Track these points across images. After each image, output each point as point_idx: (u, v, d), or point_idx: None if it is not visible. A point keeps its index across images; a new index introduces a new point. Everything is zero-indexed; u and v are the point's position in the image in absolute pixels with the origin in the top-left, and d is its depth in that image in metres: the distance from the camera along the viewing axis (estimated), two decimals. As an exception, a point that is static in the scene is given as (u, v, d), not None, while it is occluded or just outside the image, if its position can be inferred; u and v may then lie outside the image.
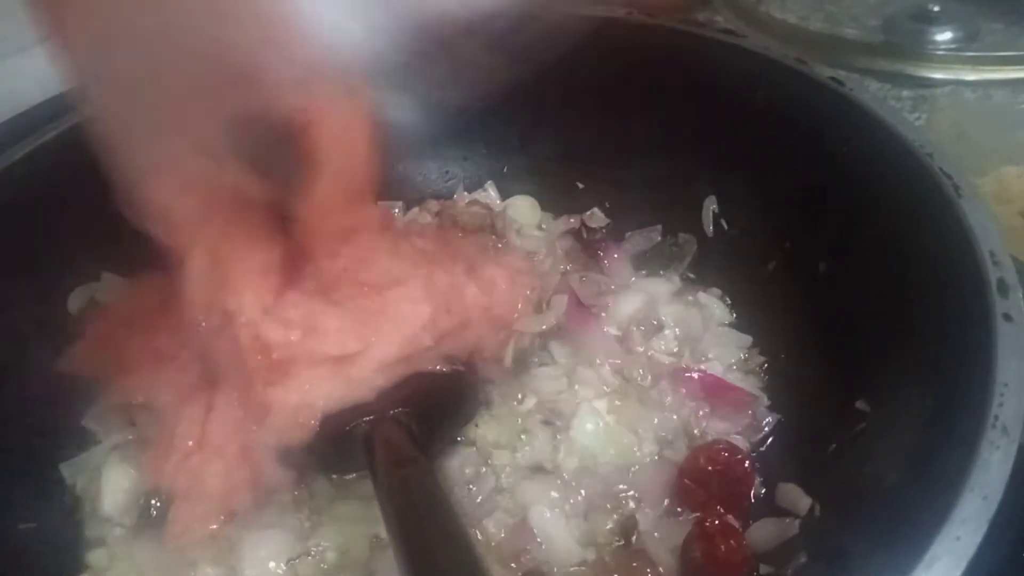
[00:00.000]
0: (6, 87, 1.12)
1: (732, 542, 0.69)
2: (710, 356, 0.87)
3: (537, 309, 0.90)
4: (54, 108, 0.86)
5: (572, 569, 0.72)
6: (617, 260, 0.98)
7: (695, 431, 0.81)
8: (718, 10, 1.41)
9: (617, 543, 0.73)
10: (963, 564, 0.46)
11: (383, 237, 0.80)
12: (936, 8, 1.29)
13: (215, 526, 0.72)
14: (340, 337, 0.71)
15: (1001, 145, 1.05)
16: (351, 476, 0.76)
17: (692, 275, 0.97)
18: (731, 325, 0.91)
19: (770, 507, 0.73)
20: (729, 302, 0.93)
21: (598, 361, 0.86)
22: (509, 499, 0.75)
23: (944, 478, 0.51)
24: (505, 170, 1.09)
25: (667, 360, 0.87)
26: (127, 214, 0.65)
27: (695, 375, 0.83)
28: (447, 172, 1.10)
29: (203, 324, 0.73)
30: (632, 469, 0.78)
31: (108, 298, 0.89)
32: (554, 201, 1.06)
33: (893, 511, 0.57)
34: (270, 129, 0.62)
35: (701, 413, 0.82)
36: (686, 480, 0.74)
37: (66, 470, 0.80)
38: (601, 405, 0.81)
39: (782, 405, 0.82)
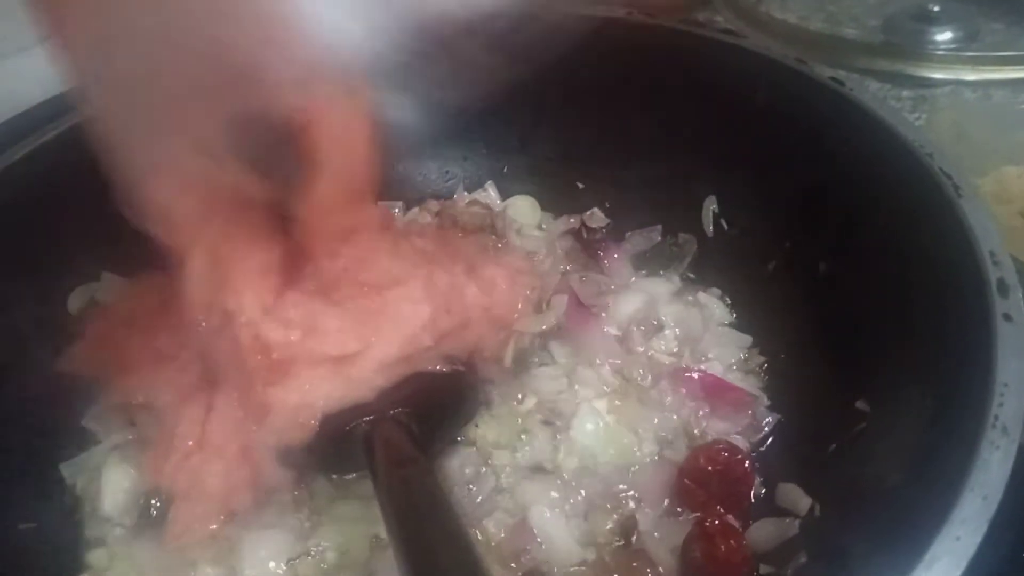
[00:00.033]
0: (6, 87, 1.12)
1: (732, 542, 0.69)
2: (710, 356, 0.87)
3: (537, 309, 0.90)
4: (54, 108, 0.86)
5: (572, 569, 0.72)
6: (617, 260, 0.98)
7: (695, 431, 0.81)
8: (718, 10, 1.41)
9: (617, 543, 0.73)
10: (963, 564, 0.46)
11: (383, 237, 0.80)
12: (936, 8, 1.29)
13: (215, 526, 0.72)
14: (340, 337, 0.71)
15: (1001, 145, 1.05)
16: (351, 476, 0.76)
17: (692, 275, 0.97)
18: (731, 325, 0.91)
19: (770, 507, 0.73)
20: (729, 302, 0.93)
21: (598, 361, 0.86)
22: (509, 499, 0.75)
23: (944, 478, 0.51)
24: (505, 170, 1.09)
25: (667, 360, 0.87)
26: (127, 214, 0.65)
27: (695, 375, 0.83)
28: (447, 172, 1.10)
29: (203, 324, 0.73)
30: (632, 469, 0.78)
31: (108, 298, 0.89)
32: (554, 201, 1.06)
33: (893, 511, 0.57)
34: (270, 129, 0.62)
35: (701, 413, 0.82)
36: (686, 480, 0.74)
37: (66, 470, 0.80)
38: (601, 405, 0.81)
39: (782, 405, 0.82)
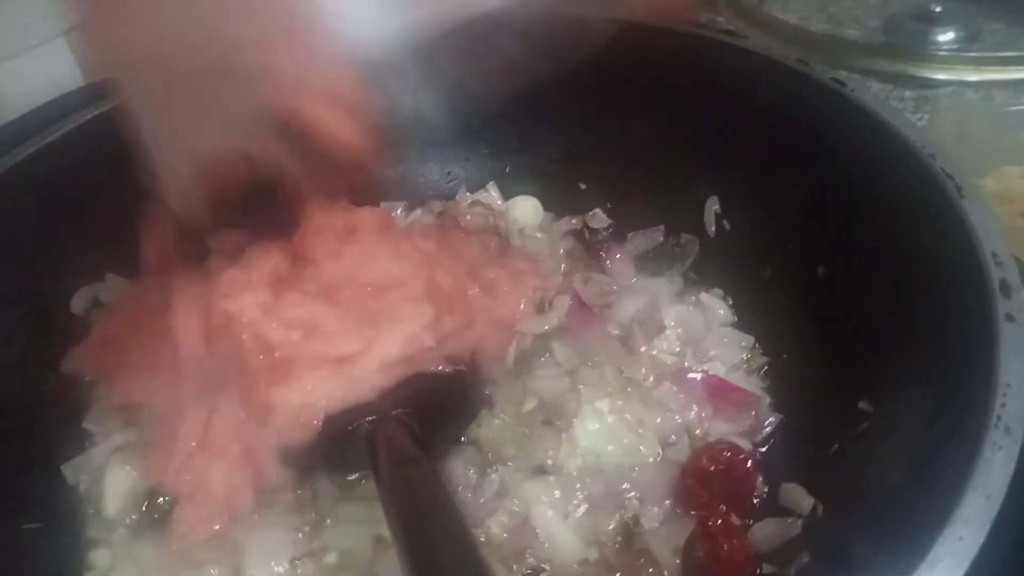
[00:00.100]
0: (10, 88, 1.13)
1: (735, 542, 0.69)
2: (712, 357, 0.87)
3: (539, 310, 0.91)
4: (59, 109, 0.86)
5: (575, 569, 0.72)
6: (619, 261, 0.99)
7: (697, 431, 0.81)
8: (720, 11, 1.42)
9: (619, 543, 0.73)
10: (966, 564, 0.46)
11: (385, 238, 0.81)
12: (938, 9, 1.29)
13: (219, 527, 0.72)
14: (342, 337, 0.71)
15: (1003, 145, 1.05)
16: (353, 476, 0.77)
17: (694, 276, 0.97)
18: (733, 326, 0.91)
19: (773, 507, 0.73)
20: (731, 303, 0.93)
21: (600, 361, 0.86)
22: (511, 499, 0.75)
23: (947, 478, 0.51)
24: (507, 171, 1.09)
25: (669, 360, 0.87)
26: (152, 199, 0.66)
27: (697, 376, 0.83)
28: (449, 173, 1.10)
29: (204, 325, 0.74)
30: (634, 469, 0.78)
31: (112, 299, 0.89)
32: (556, 202, 1.07)
33: (896, 511, 0.57)
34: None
35: (704, 414, 0.82)
36: (689, 480, 0.74)
37: (68, 471, 0.80)
38: (603, 405, 0.81)
39: (784, 405, 0.82)
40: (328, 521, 0.75)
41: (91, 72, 1.08)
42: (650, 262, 0.99)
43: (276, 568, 0.71)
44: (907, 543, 0.48)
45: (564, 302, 0.91)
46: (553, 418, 0.81)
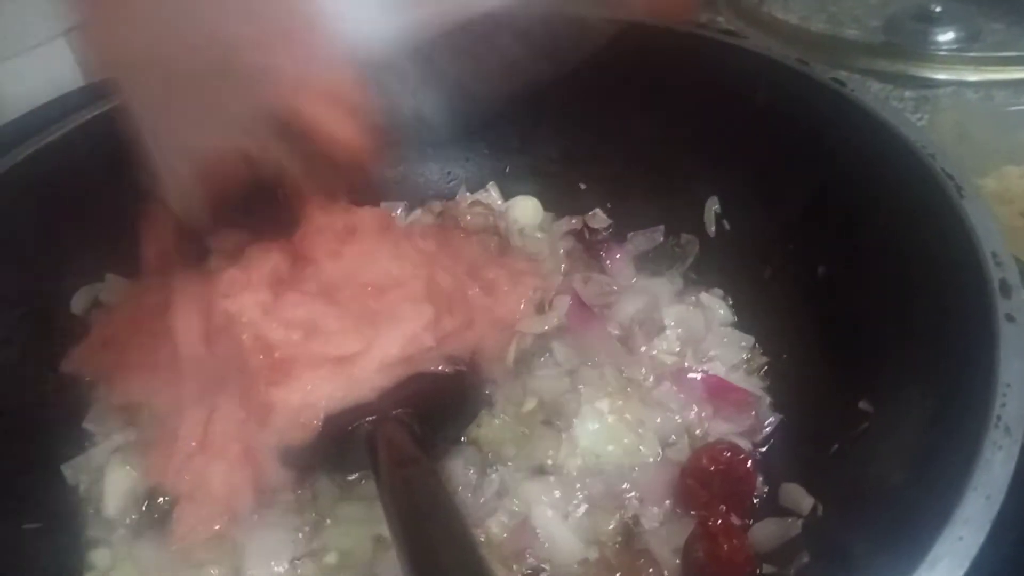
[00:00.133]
0: (10, 88, 1.13)
1: (735, 542, 0.69)
2: (712, 357, 0.87)
3: (539, 310, 0.91)
4: (59, 109, 0.86)
5: (575, 569, 0.72)
6: (619, 261, 0.99)
7: (697, 431, 0.81)
8: (720, 11, 1.42)
9: (619, 543, 0.73)
10: (966, 564, 0.46)
11: (385, 238, 0.81)
12: (938, 9, 1.29)
13: (219, 527, 0.72)
14: (342, 337, 0.71)
15: (1003, 145, 1.05)
16: (353, 476, 0.77)
17: (694, 276, 0.97)
18: (733, 326, 0.91)
19: (773, 507, 0.73)
20: (731, 303, 0.93)
21: (600, 361, 0.86)
22: (511, 499, 0.75)
23: (947, 478, 0.51)
24: (507, 171, 1.09)
25: (669, 360, 0.87)
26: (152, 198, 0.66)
27: (697, 376, 0.83)
28: (449, 173, 1.10)
29: (204, 325, 0.74)
30: (634, 469, 0.78)
31: (112, 299, 0.89)
32: (556, 202, 1.07)
33: (896, 511, 0.57)
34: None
35: (704, 414, 0.82)
36: (689, 480, 0.74)
37: (69, 471, 0.80)
38: (603, 405, 0.81)
39: (784, 405, 0.82)
40: (328, 521, 0.75)
41: (91, 72, 1.09)
42: (650, 262, 0.99)
43: (276, 568, 0.71)
44: (907, 543, 0.48)
45: (564, 302, 0.91)
46: (553, 418, 0.81)
